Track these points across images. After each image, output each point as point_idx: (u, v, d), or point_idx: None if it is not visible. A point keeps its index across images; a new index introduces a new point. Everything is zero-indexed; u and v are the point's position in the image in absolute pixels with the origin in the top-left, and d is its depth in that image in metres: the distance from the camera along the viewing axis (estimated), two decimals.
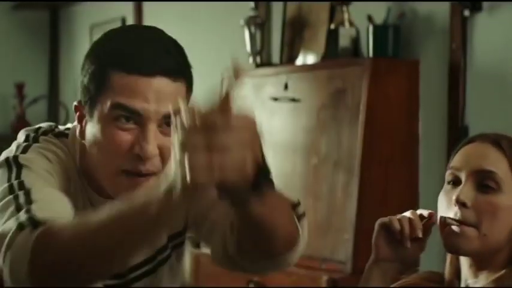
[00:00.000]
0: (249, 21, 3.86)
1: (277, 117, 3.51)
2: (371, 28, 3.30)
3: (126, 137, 1.57)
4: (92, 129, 1.61)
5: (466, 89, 3.14)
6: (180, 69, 1.64)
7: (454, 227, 1.60)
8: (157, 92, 1.57)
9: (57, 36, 5.98)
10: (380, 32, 3.29)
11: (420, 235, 1.65)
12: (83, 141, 1.65)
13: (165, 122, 1.58)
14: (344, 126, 3.19)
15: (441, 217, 1.63)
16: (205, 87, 4.44)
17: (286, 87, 3.49)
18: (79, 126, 1.66)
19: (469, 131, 3.11)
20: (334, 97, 3.26)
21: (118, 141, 1.57)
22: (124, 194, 1.51)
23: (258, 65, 3.83)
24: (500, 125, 3.01)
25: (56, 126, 1.76)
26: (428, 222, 1.67)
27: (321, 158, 3.26)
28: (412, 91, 3.29)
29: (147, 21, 4.91)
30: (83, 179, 1.70)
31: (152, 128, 1.57)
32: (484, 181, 1.62)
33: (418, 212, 1.69)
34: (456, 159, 1.67)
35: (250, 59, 3.88)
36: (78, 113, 1.67)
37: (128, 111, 1.56)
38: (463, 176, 1.64)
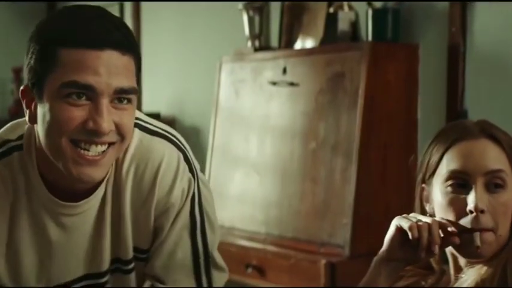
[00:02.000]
0: (248, 5, 3.85)
1: (275, 101, 3.50)
2: (370, 12, 3.29)
3: (78, 112, 1.55)
4: (42, 110, 1.58)
5: (466, 73, 3.13)
6: (128, 43, 1.59)
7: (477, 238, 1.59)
8: (107, 65, 1.54)
9: None
10: (379, 16, 3.28)
11: (437, 251, 1.58)
12: (34, 125, 1.63)
13: (116, 97, 1.57)
14: (342, 110, 3.18)
15: (459, 227, 1.59)
16: (204, 71, 4.43)
17: (284, 71, 3.48)
18: (28, 111, 1.62)
19: (468, 115, 3.10)
20: (333, 81, 3.25)
21: (70, 117, 1.55)
22: (72, 164, 1.56)
23: (256, 49, 3.82)
24: (499, 109, 3.02)
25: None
26: (449, 237, 1.59)
27: (319, 143, 3.25)
28: (411, 75, 3.28)
29: (146, 4, 4.89)
30: (41, 187, 1.67)
31: (105, 103, 1.55)
32: (493, 181, 1.61)
33: (438, 218, 1.62)
34: (457, 161, 1.63)
35: (249, 43, 3.87)
36: (26, 98, 1.62)
37: (79, 87, 1.53)
38: (471, 180, 1.61)
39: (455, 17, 3.13)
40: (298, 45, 3.61)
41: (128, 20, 5.00)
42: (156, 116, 4.33)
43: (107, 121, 1.55)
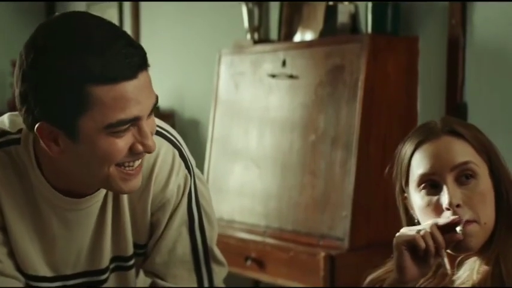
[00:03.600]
0: None
1: (275, 94, 3.50)
2: (370, 4, 3.28)
3: (124, 141, 1.55)
4: (77, 146, 1.54)
5: (465, 65, 3.12)
6: (146, 55, 1.57)
7: (458, 229, 1.59)
8: (143, 89, 1.54)
9: (54, 12, 5.95)
10: (379, 8, 3.27)
11: (444, 255, 1.59)
12: (61, 160, 1.59)
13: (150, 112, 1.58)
14: (342, 103, 3.18)
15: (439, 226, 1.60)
16: (203, 64, 4.42)
17: (284, 64, 3.47)
18: (53, 145, 1.56)
19: (468, 107, 3.10)
20: (332, 74, 3.24)
21: (119, 149, 1.55)
22: (121, 182, 1.58)
23: (255, 42, 3.81)
24: (498, 101, 3.01)
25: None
26: (450, 235, 1.59)
27: (319, 135, 3.25)
28: (411, 68, 3.28)
29: None
30: (39, 177, 1.67)
31: (145, 123, 1.56)
32: (463, 174, 1.62)
33: (435, 221, 1.62)
34: (424, 164, 1.64)
35: (248, 36, 3.86)
36: (46, 136, 1.55)
37: (126, 123, 1.53)
38: (440, 179, 1.62)
39: (455, 9, 3.12)
40: (297, 37, 3.61)
41: (127, 14, 5.00)
42: (155, 109, 4.32)
43: (151, 140, 1.58)
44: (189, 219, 1.83)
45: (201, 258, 1.86)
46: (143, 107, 1.54)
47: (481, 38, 3.09)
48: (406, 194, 1.73)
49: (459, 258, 1.66)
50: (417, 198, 1.67)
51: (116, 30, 1.56)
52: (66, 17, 1.57)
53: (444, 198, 1.61)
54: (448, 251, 1.66)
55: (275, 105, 3.48)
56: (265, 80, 3.55)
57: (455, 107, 3.12)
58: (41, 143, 1.58)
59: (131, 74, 1.51)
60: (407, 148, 1.70)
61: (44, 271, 1.77)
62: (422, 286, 1.71)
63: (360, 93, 3.10)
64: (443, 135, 1.66)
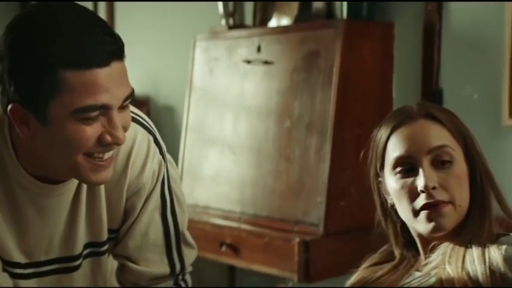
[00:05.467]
0: None
1: (249, 80, 3.48)
2: None
3: (93, 129, 1.54)
4: (47, 130, 1.54)
5: (441, 51, 3.12)
6: (122, 46, 1.57)
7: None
8: (115, 78, 1.53)
9: None
10: None
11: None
12: (31, 144, 1.59)
13: (123, 104, 1.57)
14: (317, 89, 3.17)
15: (414, 208, 1.63)
16: (178, 50, 4.39)
17: (259, 49, 3.46)
18: (24, 128, 1.56)
19: (444, 94, 3.10)
20: (308, 60, 3.23)
21: (87, 137, 1.54)
22: (90, 172, 1.58)
23: (230, 27, 3.79)
24: (474, 88, 3.02)
25: None
26: None
27: (294, 121, 3.24)
28: (387, 54, 3.27)
29: None
30: (14, 162, 1.66)
31: (116, 114, 1.55)
32: (439, 157, 1.63)
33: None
34: (400, 147, 1.65)
35: (223, 21, 3.84)
36: (18, 118, 1.55)
37: (95, 109, 1.51)
38: (416, 162, 1.63)
39: None
40: (272, 23, 3.59)
41: None
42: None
43: (121, 132, 1.56)
44: (161, 204, 1.85)
45: (173, 241, 1.88)
46: (114, 96, 1.53)
47: (457, 23, 3.09)
48: (380, 178, 1.73)
49: (433, 243, 1.66)
50: (392, 182, 1.67)
51: (94, 18, 1.55)
52: (45, 4, 1.56)
53: (420, 181, 1.61)
54: (422, 233, 1.66)
55: (250, 91, 3.47)
56: (240, 66, 3.53)
57: (431, 93, 3.12)
58: (17, 128, 1.57)
59: (103, 62, 1.50)
60: (383, 132, 1.71)
61: (19, 257, 1.76)
62: (394, 274, 1.73)
63: (335, 79, 3.09)
64: (419, 118, 1.67)
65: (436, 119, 1.67)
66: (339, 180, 3.09)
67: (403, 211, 1.67)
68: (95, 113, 1.52)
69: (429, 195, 1.61)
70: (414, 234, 1.72)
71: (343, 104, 3.11)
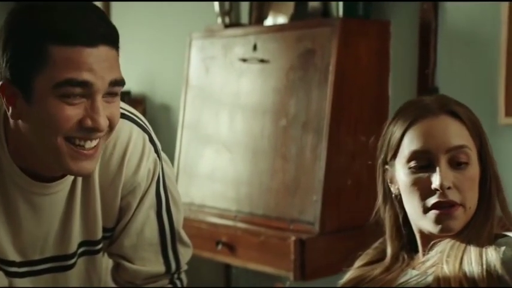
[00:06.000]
0: None
1: (246, 78, 3.48)
2: None
3: (74, 111, 1.53)
4: (30, 108, 1.54)
5: (437, 50, 3.12)
6: (116, 35, 1.58)
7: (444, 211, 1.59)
8: (101, 61, 1.52)
9: None
10: None
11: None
12: (18, 121, 1.58)
13: (108, 91, 1.56)
14: (313, 87, 3.17)
15: (425, 205, 1.61)
16: (174, 48, 4.38)
17: (255, 48, 3.45)
18: (11, 107, 1.57)
19: (439, 92, 3.10)
20: (304, 58, 3.23)
21: (67, 116, 1.53)
22: (70, 159, 1.55)
23: (226, 26, 3.78)
24: (470, 86, 3.02)
25: None
26: None
27: (290, 120, 3.24)
28: (383, 52, 3.27)
29: None
30: (8, 159, 1.66)
31: (100, 99, 1.54)
32: (457, 157, 1.61)
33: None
34: (419, 142, 1.63)
35: (219, 20, 3.83)
36: (7, 95, 1.56)
37: (75, 84, 1.51)
38: (434, 159, 1.61)
39: None
40: (268, 21, 3.59)
41: None
42: (126, 94, 4.30)
43: (103, 118, 1.55)
44: (157, 203, 1.85)
45: (168, 240, 1.88)
46: (97, 78, 1.52)
47: (453, 22, 3.09)
48: (387, 167, 1.71)
49: (433, 242, 1.66)
50: (403, 175, 1.65)
51: (93, 5, 1.58)
52: None
53: (436, 179, 1.59)
54: (424, 231, 1.66)
55: (246, 90, 3.47)
56: (236, 64, 3.53)
57: (427, 91, 3.12)
58: (5, 107, 1.58)
59: (90, 42, 1.51)
60: (400, 122, 1.68)
61: (13, 256, 1.76)
62: (390, 274, 1.72)
63: (331, 77, 3.09)
64: (441, 114, 1.64)
65: (457, 115, 1.65)
66: (334, 178, 3.09)
67: (412, 206, 1.65)
68: (76, 90, 1.51)
69: (442, 195, 1.59)
70: (415, 230, 1.71)
71: (339, 102, 3.11)
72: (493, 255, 1.55)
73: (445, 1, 3.09)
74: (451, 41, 3.09)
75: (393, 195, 1.72)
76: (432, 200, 1.60)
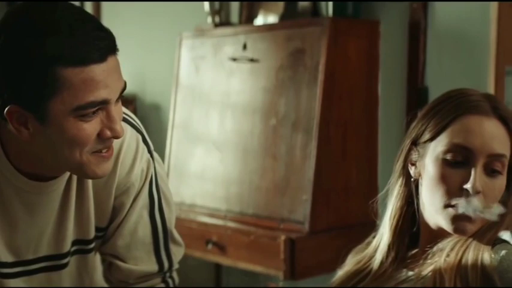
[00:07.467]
0: None
1: (235, 77, 3.48)
2: None
3: (93, 126, 1.54)
4: (46, 129, 1.53)
5: (426, 49, 3.13)
6: (115, 40, 1.57)
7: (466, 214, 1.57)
8: (112, 73, 1.54)
9: None
10: None
11: None
12: (29, 145, 1.58)
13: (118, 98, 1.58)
14: (303, 86, 3.17)
15: (448, 201, 1.58)
16: (164, 48, 4.37)
17: (245, 47, 3.46)
18: (23, 129, 1.55)
19: (429, 92, 3.11)
20: (293, 57, 3.23)
21: (88, 134, 1.54)
22: (95, 167, 1.58)
23: (216, 25, 3.78)
24: (459, 85, 3.01)
25: None
26: None
27: (280, 119, 3.24)
28: (372, 52, 3.28)
29: None
30: (7, 164, 1.66)
31: (113, 108, 1.56)
32: (493, 164, 1.59)
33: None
34: (465, 136, 1.59)
35: (209, 19, 3.83)
36: (16, 119, 1.53)
37: (95, 105, 1.52)
38: (473, 159, 1.58)
39: None
40: (258, 20, 3.59)
41: None
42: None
43: (119, 125, 1.57)
44: (149, 203, 1.86)
45: (161, 240, 1.89)
46: (112, 91, 1.54)
47: (442, 21, 3.09)
48: (418, 147, 1.67)
49: (438, 240, 1.64)
50: (434, 162, 1.62)
51: (86, 14, 1.55)
52: (34, 2, 1.55)
53: (470, 180, 1.56)
54: (433, 226, 1.64)
55: (236, 89, 3.47)
56: (226, 64, 3.53)
57: (416, 91, 3.13)
58: (8, 126, 1.55)
59: (100, 57, 1.50)
60: (451, 108, 1.63)
61: (6, 257, 1.75)
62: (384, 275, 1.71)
63: (320, 76, 3.10)
64: (492, 115, 1.61)
65: (506, 123, 1.61)
66: (324, 178, 3.09)
67: (432, 197, 1.61)
68: (94, 109, 1.53)
69: (469, 197, 1.56)
70: (422, 222, 1.68)
71: (328, 101, 3.11)
72: (489, 261, 1.53)
73: (435, 1, 3.10)
74: (441, 40, 3.10)
75: (412, 178, 1.69)
76: (457, 199, 1.57)
